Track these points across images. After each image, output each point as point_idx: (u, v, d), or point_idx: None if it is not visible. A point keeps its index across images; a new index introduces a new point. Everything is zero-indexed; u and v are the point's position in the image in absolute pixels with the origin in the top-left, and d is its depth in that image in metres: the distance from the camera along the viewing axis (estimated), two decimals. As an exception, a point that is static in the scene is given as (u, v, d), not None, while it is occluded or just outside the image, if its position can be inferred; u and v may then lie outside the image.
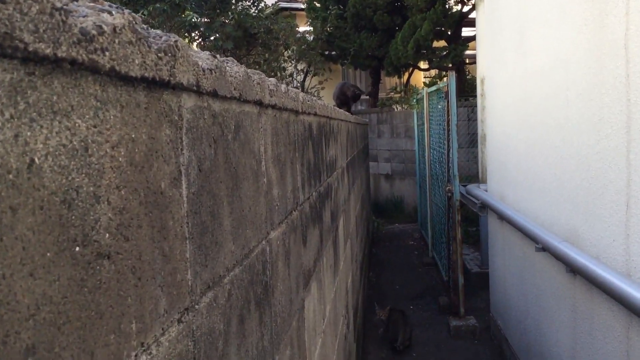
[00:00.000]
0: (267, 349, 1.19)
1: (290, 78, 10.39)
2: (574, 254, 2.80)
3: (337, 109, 3.47)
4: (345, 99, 5.51)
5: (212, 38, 8.23)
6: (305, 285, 1.77)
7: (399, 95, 12.39)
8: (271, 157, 1.32)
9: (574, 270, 2.87)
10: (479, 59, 6.55)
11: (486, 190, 5.30)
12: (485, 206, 5.22)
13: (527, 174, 3.94)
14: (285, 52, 10.26)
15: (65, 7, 0.46)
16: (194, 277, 0.77)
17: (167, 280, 0.68)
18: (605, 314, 2.66)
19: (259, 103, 1.19)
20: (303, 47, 10.72)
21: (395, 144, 11.30)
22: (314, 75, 10.34)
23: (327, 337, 2.34)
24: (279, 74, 9.42)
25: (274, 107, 1.35)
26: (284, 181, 1.48)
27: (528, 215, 3.84)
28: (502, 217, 4.39)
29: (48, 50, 0.43)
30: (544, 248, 3.21)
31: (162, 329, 0.66)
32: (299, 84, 11.78)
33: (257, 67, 8.72)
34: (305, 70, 11.96)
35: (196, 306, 0.78)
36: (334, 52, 13.22)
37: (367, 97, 13.98)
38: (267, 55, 9.29)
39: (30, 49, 0.41)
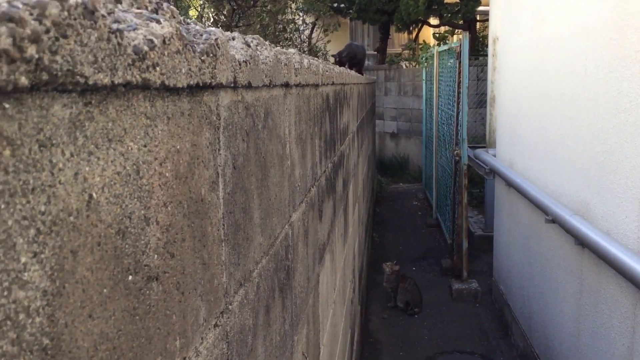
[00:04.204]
0: (288, 332, 1.20)
1: (298, 33, 10.18)
2: (586, 228, 2.80)
3: (350, 72, 3.42)
4: (356, 61, 5.42)
5: None
6: (320, 260, 1.77)
7: (408, 52, 12.19)
8: (294, 138, 1.29)
9: (584, 244, 2.87)
10: (491, 18, 6.41)
11: (494, 156, 5.28)
12: (492, 171, 5.20)
13: (538, 142, 3.90)
14: (293, 5, 10.06)
15: (119, 27, 0.43)
16: (229, 279, 0.76)
17: (206, 288, 0.67)
18: (613, 289, 2.68)
19: (286, 85, 1.16)
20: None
21: (402, 103, 11.20)
22: (324, 31, 10.13)
23: (337, 306, 2.37)
24: (287, 28, 9.24)
25: (297, 85, 1.32)
26: (305, 159, 1.46)
27: (537, 184, 3.83)
28: (510, 184, 4.37)
29: (106, 80, 0.41)
30: (554, 220, 3.21)
31: (202, 338, 0.65)
32: (306, 38, 11.59)
33: (259, 19, 8.56)
34: (313, 24, 11.74)
35: (229, 307, 0.77)
36: (342, 5, 12.96)
37: (375, 52, 13.76)
38: (270, 6, 9.10)
39: (91, 82, 0.39)
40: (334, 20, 12.02)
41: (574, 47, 3.20)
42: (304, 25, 11.28)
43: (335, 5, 12.66)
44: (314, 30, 11.68)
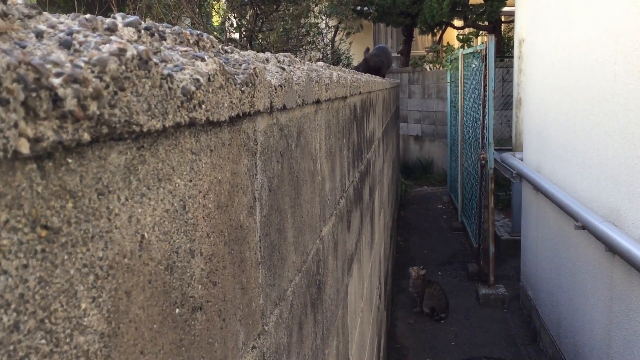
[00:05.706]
0: (319, 346, 1.21)
1: (320, 36, 10.20)
2: (617, 235, 2.76)
3: (376, 79, 3.42)
4: (380, 67, 5.42)
5: None
6: (348, 270, 1.78)
7: (432, 54, 12.13)
8: (324, 152, 1.30)
9: (614, 251, 2.83)
10: (517, 19, 6.35)
11: (521, 159, 5.22)
12: (519, 175, 5.15)
13: (566, 147, 3.85)
14: (315, 8, 10.08)
15: (169, 71, 0.45)
16: (265, 301, 0.77)
17: (245, 312, 0.68)
18: (645, 298, 2.64)
19: (317, 101, 1.17)
20: (334, 1, 10.51)
21: (426, 105, 11.14)
22: (347, 34, 10.14)
23: (364, 315, 2.37)
24: (310, 32, 9.27)
25: (327, 100, 1.33)
26: (334, 172, 1.47)
27: (566, 189, 3.78)
28: (538, 189, 4.33)
29: (158, 125, 0.42)
30: (584, 227, 3.17)
31: (241, 362, 0.67)
32: (329, 41, 11.61)
33: (282, 23, 8.59)
34: (336, 27, 11.77)
35: (265, 327, 0.78)
36: (365, 8, 12.94)
37: (399, 54, 13.73)
38: (292, 10, 9.12)
39: (145, 129, 0.40)
40: (357, 23, 12.02)
41: (603, 52, 3.16)
42: (327, 28, 11.29)
43: (359, 8, 12.65)
44: (337, 33, 11.69)
